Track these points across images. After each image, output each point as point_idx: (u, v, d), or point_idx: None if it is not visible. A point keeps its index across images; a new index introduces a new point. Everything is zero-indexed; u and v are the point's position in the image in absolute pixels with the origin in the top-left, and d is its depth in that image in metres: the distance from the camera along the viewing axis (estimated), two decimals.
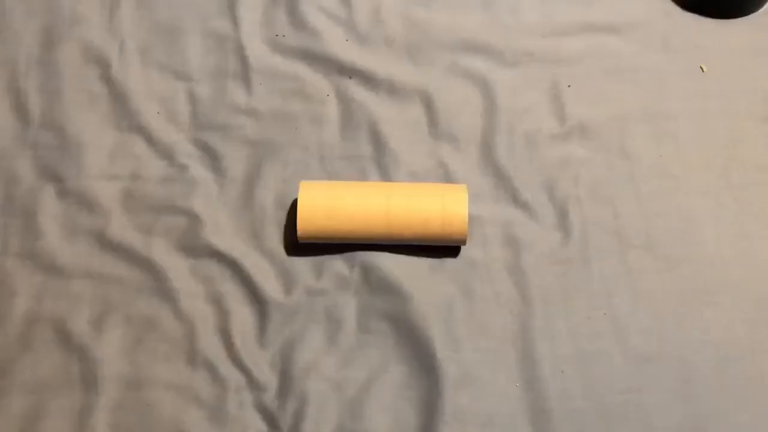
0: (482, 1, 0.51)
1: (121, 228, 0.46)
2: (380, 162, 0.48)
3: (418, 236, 0.44)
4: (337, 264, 0.46)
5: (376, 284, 0.45)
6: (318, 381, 0.43)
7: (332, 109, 0.49)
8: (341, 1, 0.51)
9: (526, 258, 0.45)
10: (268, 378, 0.43)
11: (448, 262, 0.46)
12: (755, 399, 0.43)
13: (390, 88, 0.49)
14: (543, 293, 0.45)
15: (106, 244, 0.46)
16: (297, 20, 0.51)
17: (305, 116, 0.49)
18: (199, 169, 0.47)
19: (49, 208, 0.46)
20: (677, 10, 0.51)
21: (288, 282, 0.45)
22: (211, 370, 0.43)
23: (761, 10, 0.51)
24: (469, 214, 0.44)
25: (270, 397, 0.43)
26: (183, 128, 0.48)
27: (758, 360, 0.44)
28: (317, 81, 0.49)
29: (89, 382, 0.43)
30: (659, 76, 0.50)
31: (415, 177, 0.47)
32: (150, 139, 0.48)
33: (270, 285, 0.45)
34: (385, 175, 0.47)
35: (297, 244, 0.46)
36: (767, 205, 0.47)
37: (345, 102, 0.49)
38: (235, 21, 0.51)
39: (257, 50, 0.50)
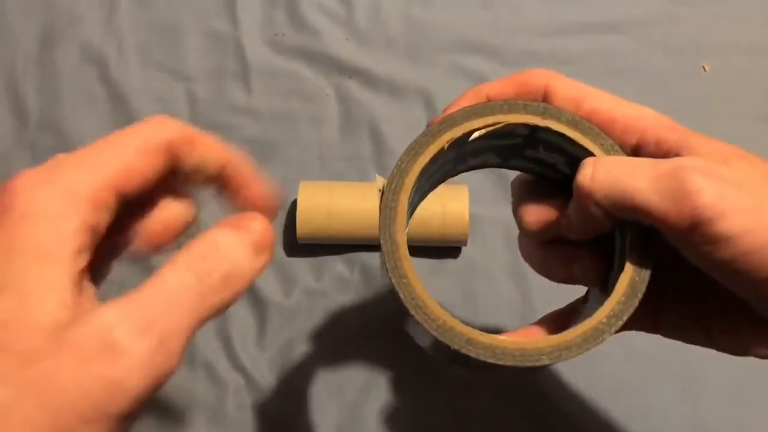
0: (483, 1, 0.51)
1: None
2: (380, 162, 0.47)
3: (419, 237, 0.44)
4: (337, 265, 0.45)
5: (376, 285, 0.45)
6: (318, 383, 0.43)
7: (332, 109, 0.49)
8: (341, 0, 0.51)
9: None
10: (267, 379, 0.43)
11: (449, 262, 0.45)
12: (756, 399, 0.43)
13: (390, 88, 0.49)
14: (544, 294, 0.45)
15: None
16: (297, 20, 0.50)
17: (305, 116, 0.49)
18: None
19: None
20: (679, 9, 0.50)
21: (287, 283, 0.45)
22: (210, 371, 0.43)
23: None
24: (469, 215, 0.44)
25: (269, 399, 0.43)
26: None
27: (759, 360, 0.43)
28: (317, 81, 0.49)
29: None
30: (661, 75, 0.49)
31: None
32: None
33: (269, 286, 0.45)
34: (386, 175, 0.47)
35: (297, 245, 0.45)
36: None
37: (345, 102, 0.49)
38: (234, 21, 0.50)
39: (257, 50, 0.50)
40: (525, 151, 0.27)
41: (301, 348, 0.44)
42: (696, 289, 0.26)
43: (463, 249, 0.46)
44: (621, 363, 0.43)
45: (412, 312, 0.22)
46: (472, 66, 0.49)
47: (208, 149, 0.23)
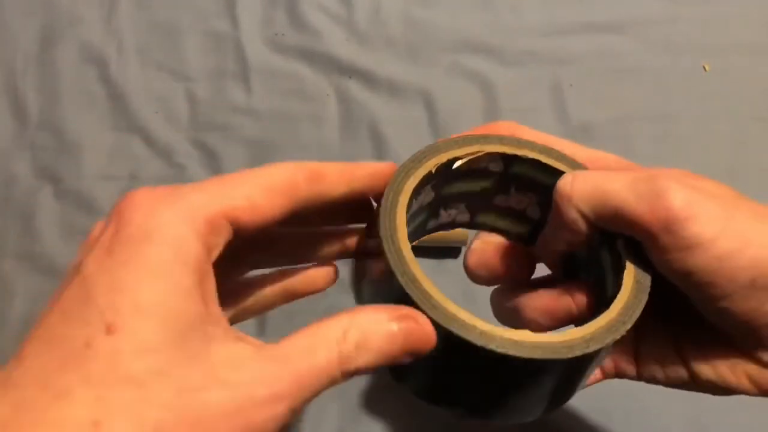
0: (483, 1, 0.51)
1: None
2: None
3: None
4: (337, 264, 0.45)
5: None
6: None
7: (332, 109, 0.49)
8: (341, 0, 0.51)
9: None
10: None
11: (449, 263, 0.45)
12: (756, 399, 0.43)
13: (390, 88, 0.49)
14: None
15: None
16: (296, 19, 0.50)
17: (305, 116, 0.48)
18: (197, 169, 0.47)
19: (47, 209, 0.46)
20: (680, 9, 0.50)
21: None
22: None
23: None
24: None
25: None
26: (182, 128, 0.48)
27: None
28: (317, 81, 0.49)
29: None
30: (662, 75, 0.49)
31: None
32: (148, 139, 0.48)
33: None
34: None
35: None
36: None
37: (345, 102, 0.49)
38: (234, 20, 0.50)
39: (257, 50, 0.50)
40: (495, 199, 0.28)
41: None
42: (673, 316, 0.26)
43: (463, 249, 0.46)
44: None
45: (430, 314, 0.21)
46: (472, 66, 0.49)
47: (335, 179, 0.22)
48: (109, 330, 0.17)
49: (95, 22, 0.50)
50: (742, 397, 0.42)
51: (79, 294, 0.18)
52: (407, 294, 0.21)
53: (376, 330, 0.20)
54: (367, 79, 0.49)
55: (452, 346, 0.21)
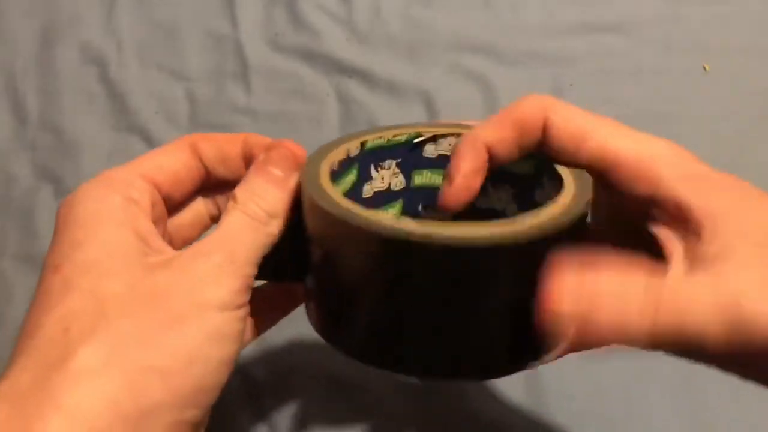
0: (483, 1, 0.51)
1: None
2: None
3: None
4: None
5: None
6: (317, 383, 0.43)
7: (332, 109, 0.49)
8: (341, 0, 0.51)
9: None
10: (266, 379, 0.43)
11: None
12: (756, 399, 0.43)
13: (390, 88, 0.49)
14: None
15: None
16: (296, 19, 0.50)
17: (305, 116, 0.49)
18: None
19: (47, 209, 0.46)
20: (680, 9, 0.50)
21: None
22: None
23: None
24: None
25: (268, 399, 0.43)
26: (182, 128, 0.48)
27: None
28: (317, 81, 0.49)
29: None
30: (662, 75, 0.49)
31: None
32: (148, 139, 0.48)
33: None
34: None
35: None
36: None
37: (345, 102, 0.49)
38: (233, 20, 0.50)
39: (257, 50, 0.50)
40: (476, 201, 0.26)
41: (302, 348, 0.44)
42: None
43: None
44: (621, 363, 0.43)
45: (358, 223, 0.20)
46: (472, 66, 0.49)
47: (225, 137, 0.26)
48: (56, 270, 0.20)
49: (95, 22, 0.51)
50: (744, 396, 0.42)
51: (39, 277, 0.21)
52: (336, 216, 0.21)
53: (253, 177, 0.24)
54: (367, 79, 0.49)
55: (388, 251, 0.20)
